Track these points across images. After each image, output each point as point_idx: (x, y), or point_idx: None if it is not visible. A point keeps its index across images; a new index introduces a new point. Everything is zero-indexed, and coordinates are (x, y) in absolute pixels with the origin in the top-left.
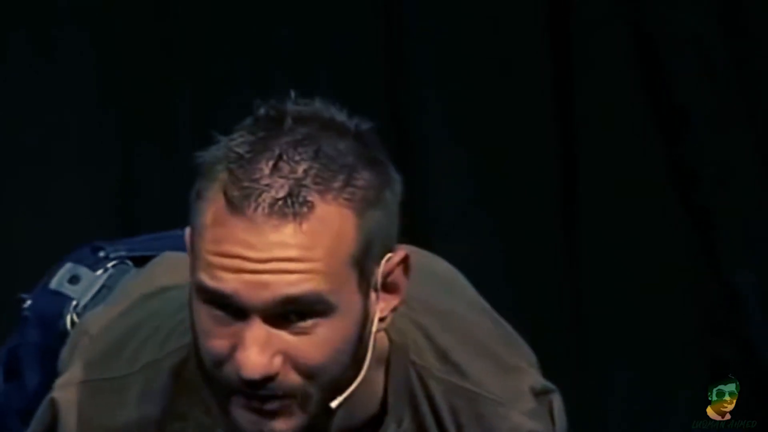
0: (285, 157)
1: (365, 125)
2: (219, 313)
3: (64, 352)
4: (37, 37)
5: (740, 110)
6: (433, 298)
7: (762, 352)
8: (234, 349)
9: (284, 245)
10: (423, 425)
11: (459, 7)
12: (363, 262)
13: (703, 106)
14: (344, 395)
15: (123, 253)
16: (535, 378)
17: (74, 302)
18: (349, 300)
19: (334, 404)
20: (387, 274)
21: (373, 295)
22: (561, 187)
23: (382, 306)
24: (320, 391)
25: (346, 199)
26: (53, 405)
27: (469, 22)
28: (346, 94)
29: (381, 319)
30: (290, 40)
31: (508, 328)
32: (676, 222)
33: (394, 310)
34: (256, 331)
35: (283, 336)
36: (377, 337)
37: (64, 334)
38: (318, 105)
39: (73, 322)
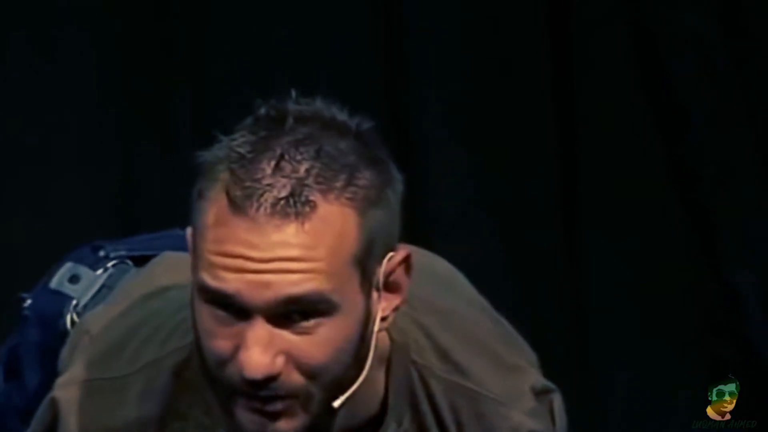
0: (287, 156)
1: (366, 124)
2: (221, 313)
3: (65, 352)
4: (37, 37)
5: (740, 110)
6: (433, 298)
7: (762, 352)
8: (236, 349)
9: (286, 245)
10: (423, 424)
11: (459, 7)
12: (365, 262)
13: (703, 106)
14: (346, 395)
15: (123, 253)
16: (535, 377)
17: (74, 302)
18: (351, 299)
19: (336, 404)
20: (389, 274)
21: (374, 294)
22: (561, 187)
23: (383, 305)
24: (322, 391)
25: (348, 198)
26: (54, 404)
27: (469, 22)
28: (346, 94)
29: (383, 319)
30: (290, 40)
31: (508, 327)
32: (676, 222)
33: (395, 309)
34: (259, 331)
35: (286, 336)
36: (379, 337)
37: (64, 334)
38: (319, 104)
39: (73, 322)
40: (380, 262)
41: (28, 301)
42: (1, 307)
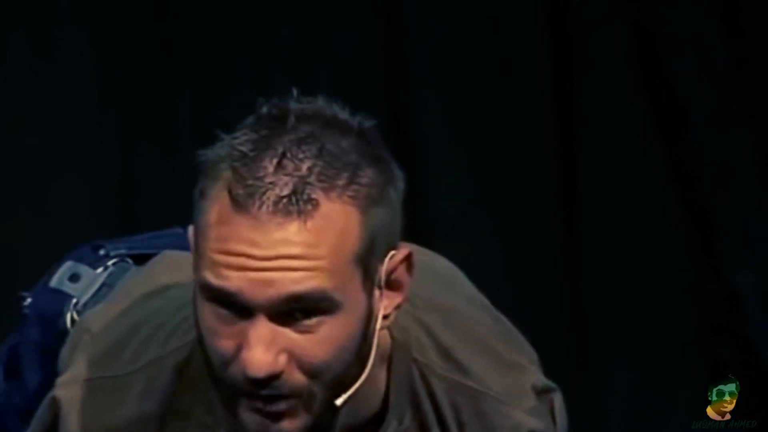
0: (289, 155)
1: (368, 123)
2: (223, 311)
3: (65, 351)
4: (37, 37)
5: (740, 110)
6: (435, 296)
7: (762, 352)
8: (239, 348)
9: (289, 243)
10: (424, 423)
11: (459, 7)
12: (367, 260)
13: (703, 106)
14: (348, 393)
15: (123, 251)
16: (536, 376)
17: (74, 300)
18: (353, 298)
19: (338, 402)
20: (390, 272)
21: (376, 292)
22: (561, 187)
23: (385, 303)
24: (324, 390)
25: (350, 196)
26: (54, 404)
27: (469, 22)
28: (346, 94)
29: (384, 317)
30: (290, 40)
31: (509, 325)
32: (676, 222)
33: (397, 307)
34: (261, 329)
35: (288, 334)
36: (380, 335)
37: (64, 333)
38: (320, 103)
39: (73, 321)
40: (382, 261)
41: (28, 300)
42: (1, 307)
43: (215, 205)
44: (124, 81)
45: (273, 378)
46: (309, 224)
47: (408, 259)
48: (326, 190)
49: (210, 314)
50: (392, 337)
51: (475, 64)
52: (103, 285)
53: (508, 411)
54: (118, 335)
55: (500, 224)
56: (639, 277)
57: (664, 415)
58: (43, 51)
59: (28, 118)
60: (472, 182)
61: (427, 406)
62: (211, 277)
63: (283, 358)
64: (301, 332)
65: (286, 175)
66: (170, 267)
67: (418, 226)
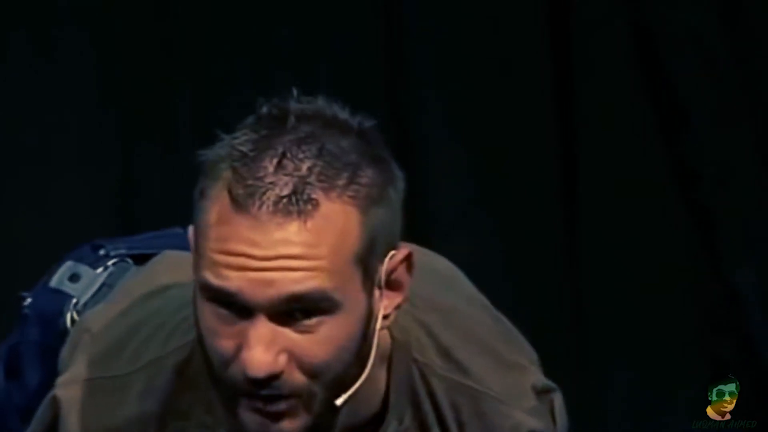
0: (289, 155)
1: (368, 123)
2: (223, 311)
3: (65, 351)
4: (37, 37)
5: (740, 110)
6: (435, 296)
7: (762, 352)
8: (239, 348)
9: (289, 243)
10: (424, 423)
11: (459, 7)
12: (367, 260)
13: (703, 105)
14: (348, 393)
15: (123, 251)
16: (536, 376)
17: (74, 300)
18: (353, 298)
19: (339, 402)
20: (390, 272)
21: (376, 292)
22: (561, 187)
23: (385, 303)
24: (324, 390)
25: (350, 196)
26: (54, 403)
27: (469, 22)
28: (346, 94)
29: (384, 317)
30: (290, 40)
31: (509, 324)
32: (676, 222)
33: (397, 307)
34: (261, 329)
35: (288, 334)
36: (380, 335)
37: (64, 333)
38: (320, 103)
39: (73, 321)
40: (382, 261)
41: (28, 300)
42: (2, 307)
43: (215, 205)
44: (124, 81)
45: (273, 378)
46: (309, 224)
47: (408, 259)
48: (326, 190)
49: (210, 314)
50: (392, 337)
51: (475, 64)
52: (103, 285)
53: (508, 411)
54: (118, 335)
55: (500, 224)
56: (639, 277)
57: (664, 415)
58: (43, 51)
59: (28, 118)
60: (472, 182)
61: (427, 406)
62: (211, 277)
63: (283, 358)
64: (301, 332)
65: (286, 175)
66: (170, 267)
67: (418, 226)
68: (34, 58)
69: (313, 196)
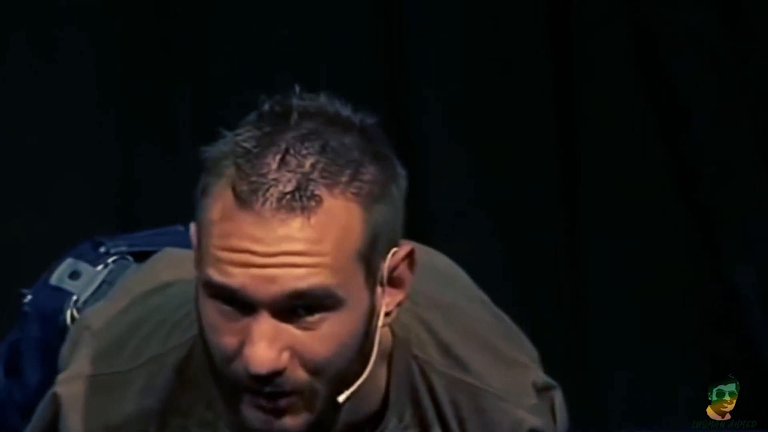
0: (292, 151)
1: (370, 120)
2: (226, 308)
3: (65, 348)
4: (37, 37)
5: (740, 110)
6: (435, 293)
7: (762, 351)
8: (242, 345)
9: (292, 239)
10: (424, 419)
11: (459, 7)
12: (369, 257)
13: (703, 105)
14: (351, 390)
15: (123, 249)
16: (536, 373)
17: (74, 297)
18: (356, 294)
19: (341, 398)
20: (393, 269)
21: (379, 289)
22: (561, 187)
23: (387, 300)
24: (327, 387)
25: (353, 193)
26: (55, 400)
27: (469, 22)
28: (346, 93)
29: (386, 314)
30: (290, 40)
31: (509, 322)
32: (676, 222)
33: (399, 304)
34: (264, 325)
35: (291, 330)
36: (382, 332)
37: (64, 330)
38: (323, 100)
39: (73, 318)
40: (384, 258)
41: (29, 297)
42: (2, 307)
43: (218, 202)
44: (124, 81)
45: (276, 375)
46: (312, 221)
47: (410, 257)
48: (329, 187)
49: (212, 311)
50: (393, 334)
51: (475, 64)
52: (103, 282)
53: (508, 408)
54: (118, 332)
55: (500, 224)
56: (639, 277)
57: (664, 415)
58: (43, 51)
59: (28, 118)
60: (472, 182)
61: (427, 403)
62: (214, 274)
63: (285, 355)
64: (304, 329)
65: (289, 171)
66: (171, 264)
67: (418, 226)
68: (34, 58)
69: (317, 192)
